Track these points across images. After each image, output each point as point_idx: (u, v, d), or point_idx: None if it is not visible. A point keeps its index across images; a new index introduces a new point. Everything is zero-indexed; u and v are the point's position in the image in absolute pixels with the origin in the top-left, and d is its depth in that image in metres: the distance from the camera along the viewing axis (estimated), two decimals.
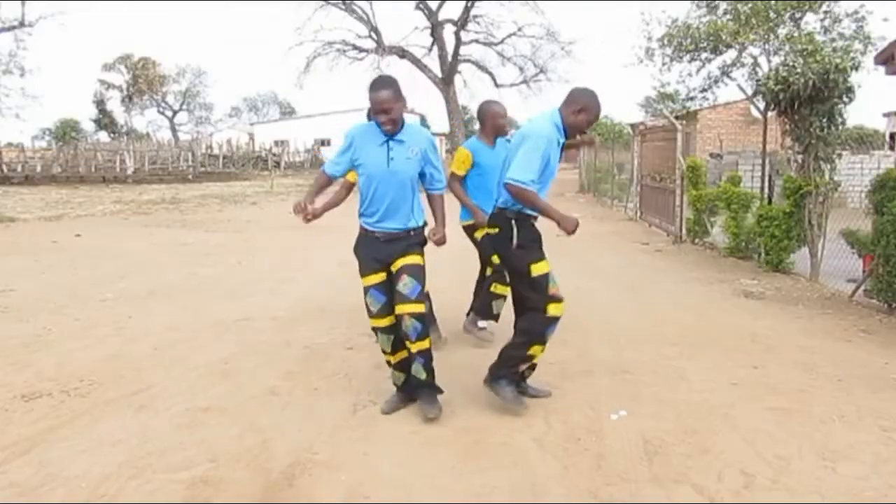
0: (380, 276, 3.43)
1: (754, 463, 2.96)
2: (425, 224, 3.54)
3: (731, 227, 8.60)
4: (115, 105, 59.88)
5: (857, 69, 6.81)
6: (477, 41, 29.05)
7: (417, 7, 28.23)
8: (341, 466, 2.95)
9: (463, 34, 28.43)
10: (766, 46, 22.30)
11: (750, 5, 21.33)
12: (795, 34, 20.82)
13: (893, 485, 2.79)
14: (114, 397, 3.75)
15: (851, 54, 7.53)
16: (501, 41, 28.96)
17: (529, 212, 3.46)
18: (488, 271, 4.76)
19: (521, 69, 29.49)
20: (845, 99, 6.89)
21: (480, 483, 2.81)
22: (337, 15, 31.58)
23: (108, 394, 3.81)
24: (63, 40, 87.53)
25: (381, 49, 28.16)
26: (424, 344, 3.41)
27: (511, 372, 3.52)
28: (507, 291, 4.17)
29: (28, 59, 50.64)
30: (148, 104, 61.55)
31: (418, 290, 3.35)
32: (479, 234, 4.53)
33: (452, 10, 60.55)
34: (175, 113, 63.30)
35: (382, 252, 3.43)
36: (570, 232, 3.36)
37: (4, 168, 26.81)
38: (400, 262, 3.39)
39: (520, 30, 28.46)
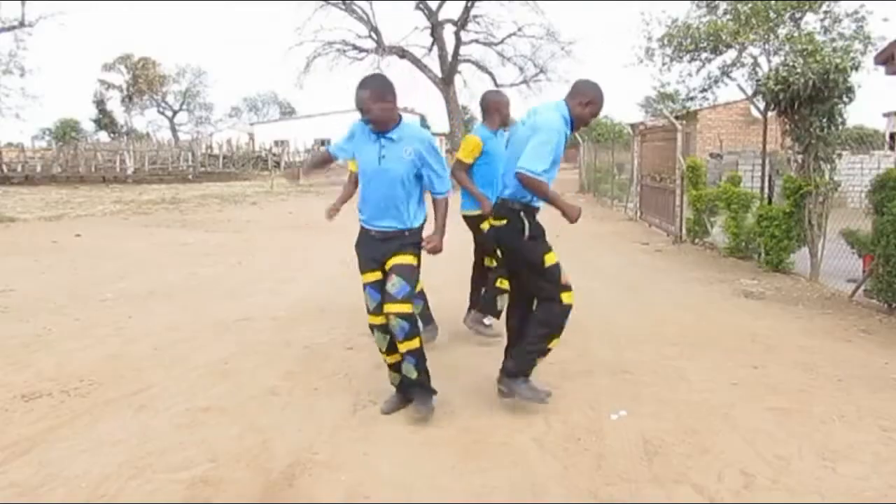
0: (376, 275, 3.44)
1: (754, 463, 2.96)
2: (424, 223, 3.52)
3: (731, 227, 8.60)
4: (115, 105, 59.93)
5: (857, 69, 6.82)
6: (477, 41, 29.05)
7: (417, 7, 28.22)
8: (341, 466, 2.95)
9: (463, 34, 28.43)
10: (766, 46, 22.31)
11: (750, 5, 21.34)
12: (795, 34, 20.83)
13: (893, 485, 2.79)
14: (114, 397, 3.75)
15: (851, 54, 7.54)
16: (501, 41, 28.97)
17: (535, 203, 3.47)
18: (487, 262, 4.73)
19: (521, 69, 29.50)
20: (845, 99, 6.90)
21: (480, 483, 2.81)
22: (337, 15, 31.58)
23: (108, 394, 3.80)
24: (63, 40, 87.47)
25: (381, 49, 28.15)
26: (413, 344, 3.38)
27: (530, 368, 3.51)
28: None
29: (28, 59, 50.62)
30: (148, 104, 61.56)
31: (406, 291, 3.32)
32: (485, 226, 4.50)
33: (452, 10, 60.54)
34: (175, 113, 63.31)
35: (378, 251, 3.43)
36: (574, 220, 3.44)
37: (4, 168, 26.80)
38: (391, 262, 3.39)
39: (520, 30, 28.47)
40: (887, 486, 2.77)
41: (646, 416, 3.47)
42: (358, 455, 3.06)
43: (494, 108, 4.68)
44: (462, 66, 29.08)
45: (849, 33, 21.84)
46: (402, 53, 28.31)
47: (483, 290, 4.77)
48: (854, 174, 11.22)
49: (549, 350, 3.51)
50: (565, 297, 3.47)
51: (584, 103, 3.51)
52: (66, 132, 51.91)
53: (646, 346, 4.72)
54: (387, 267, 3.41)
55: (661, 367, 4.27)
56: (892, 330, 5.27)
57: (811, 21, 22.35)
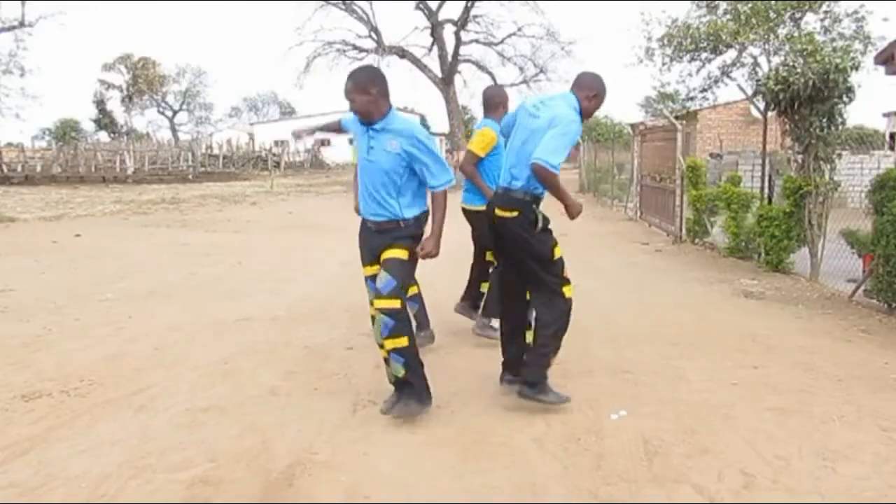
0: (374, 268, 3.44)
1: (754, 463, 2.96)
2: (422, 216, 3.45)
3: (731, 227, 8.60)
4: (115, 105, 59.99)
5: (857, 69, 6.81)
6: (477, 41, 29.03)
7: (417, 7, 28.21)
8: (341, 466, 2.95)
9: (463, 34, 28.41)
10: (766, 46, 22.31)
11: (750, 5, 21.34)
12: (795, 34, 20.83)
13: (893, 485, 2.79)
14: (114, 397, 3.75)
15: (851, 54, 7.50)
16: (501, 41, 28.94)
17: (540, 195, 3.47)
18: (489, 256, 4.69)
19: (521, 69, 29.46)
20: (845, 99, 6.90)
21: (480, 483, 2.81)
22: (337, 15, 31.60)
23: (108, 394, 3.80)
24: (63, 40, 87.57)
25: (381, 49, 28.14)
26: (398, 342, 3.31)
27: (547, 370, 3.49)
28: None
29: (28, 59, 50.55)
30: (148, 104, 61.61)
31: (391, 286, 3.28)
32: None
33: (452, 10, 60.62)
34: (175, 113, 63.35)
35: (373, 243, 3.43)
36: (574, 217, 3.48)
37: (4, 168, 26.80)
38: (383, 256, 3.37)
39: (520, 30, 28.43)
40: (887, 486, 2.77)
41: (646, 416, 3.47)
42: (358, 455, 3.05)
43: (500, 103, 4.69)
44: (462, 66, 29.08)
45: (849, 33, 21.85)
46: (402, 53, 28.30)
47: (481, 285, 4.75)
48: (854, 174, 11.22)
49: (560, 346, 3.52)
50: (567, 291, 3.50)
51: (591, 96, 3.54)
52: (66, 132, 51.95)
53: (646, 346, 4.72)
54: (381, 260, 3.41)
55: (661, 367, 4.27)
56: (892, 330, 5.27)
57: (811, 21, 22.37)
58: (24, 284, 6.91)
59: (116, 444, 3.14)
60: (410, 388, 3.40)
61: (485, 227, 3.98)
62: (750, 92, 12.92)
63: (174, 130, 61.39)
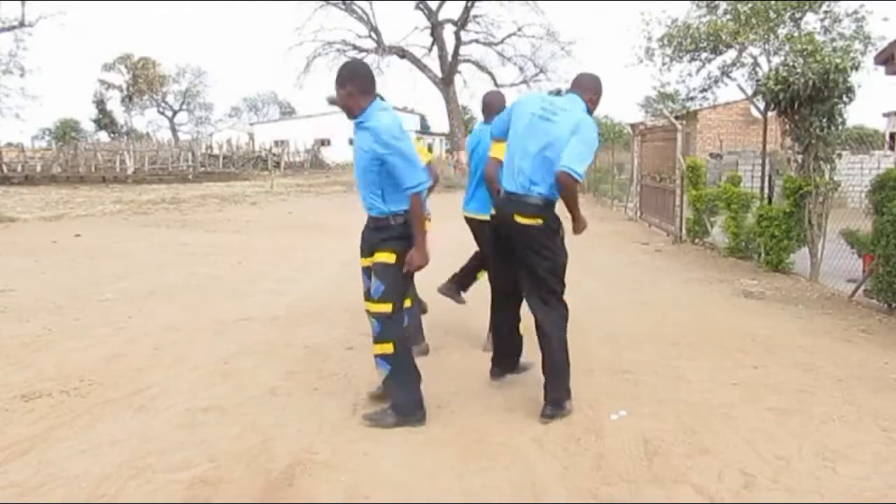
0: (367, 261, 3.43)
1: (754, 463, 2.96)
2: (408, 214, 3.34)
3: (731, 227, 8.60)
4: (115, 105, 60.06)
5: (857, 69, 6.81)
6: (477, 41, 29.06)
7: (417, 7, 28.24)
8: (341, 466, 2.95)
9: (463, 34, 28.44)
10: (766, 46, 22.30)
11: (750, 5, 21.34)
12: (795, 34, 20.80)
13: (893, 485, 2.79)
14: (114, 397, 3.75)
15: (851, 54, 7.49)
16: (501, 41, 28.97)
17: (556, 201, 3.45)
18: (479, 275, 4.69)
19: (521, 69, 29.50)
20: (845, 99, 6.90)
21: (480, 483, 2.81)
22: (337, 15, 31.68)
23: (108, 394, 3.80)
24: (63, 40, 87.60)
25: (381, 49, 28.16)
26: (385, 348, 3.29)
27: (569, 382, 3.47)
28: None
29: (28, 59, 50.67)
30: (148, 104, 61.66)
31: (380, 290, 3.26)
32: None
33: (452, 10, 60.66)
34: (175, 113, 63.39)
35: (370, 239, 3.42)
36: (579, 232, 3.51)
37: (4, 168, 26.82)
38: (374, 258, 3.35)
39: (520, 30, 28.47)
40: (887, 486, 2.77)
41: (646, 416, 3.47)
42: (358, 455, 3.05)
43: (501, 107, 4.66)
44: (462, 66, 29.12)
45: (849, 33, 21.84)
46: (402, 53, 28.32)
47: (478, 274, 4.73)
48: (854, 174, 11.22)
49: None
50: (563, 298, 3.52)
51: (593, 98, 3.55)
52: (66, 132, 51.99)
53: (646, 346, 4.72)
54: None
55: (661, 367, 4.27)
56: (892, 330, 5.27)
57: (811, 21, 22.36)
58: (24, 284, 6.91)
59: (116, 444, 3.14)
60: (387, 395, 3.36)
61: (486, 234, 3.95)
62: (750, 92, 12.93)
63: (174, 130, 61.43)
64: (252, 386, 3.94)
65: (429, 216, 3.56)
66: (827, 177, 7.08)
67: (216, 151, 36.63)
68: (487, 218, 3.95)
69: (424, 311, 4.77)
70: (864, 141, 12.39)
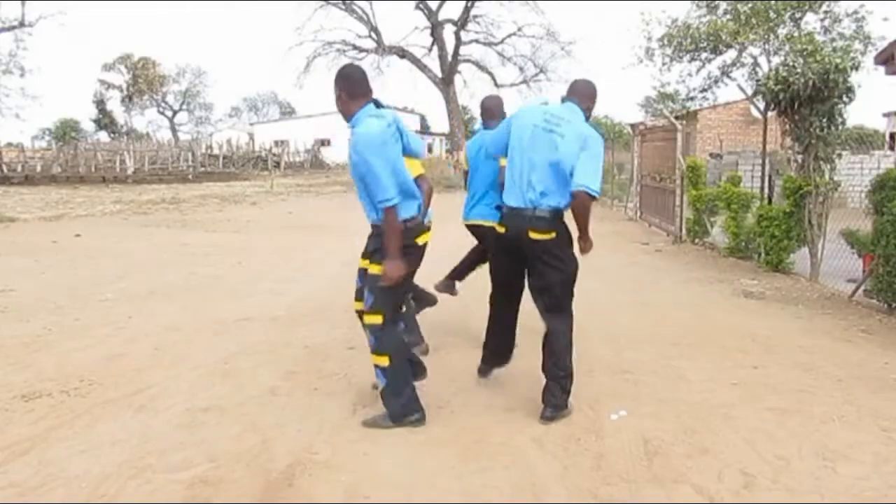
0: (364, 263, 3.42)
1: (754, 463, 2.96)
2: (414, 219, 3.30)
3: (731, 227, 8.60)
4: (115, 105, 60.07)
5: (857, 69, 6.81)
6: (477, 41, 29.09)
7: (417, 7, 28.25)
8: (341, 466, 2.95)
9: (463, 34, 28.46)
10: (766, 46, 22.31)
11: (750, 5, 21.34)
12: (795, 34, 20.81)
13: (893, 485, 2.79)
14: (114, 397, 3.75)
15: (851, 54, 7.49)
16: (501, 41, 28.99)
17: (564, 211, 3.45)
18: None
19: (521, 69, 29.52)
20: (845, 99, 6.90)
21: (480, 483, 2.81)
22: (337, 15, 31.68)
23: (108, 394, 3.80)
24: (63, 40, 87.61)
25: (381, 49, 28.18)
26: (380, 361, 3.28)
27: (570, 387, 3.48)
28: None
29: (28, 59, 50.68)
30: (148, 104, 61.66)
31: (370, 301, 3.26)
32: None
33: (452, 10, 60.64)
34: (175, 113, 63.39)
35: (368, 244, 3.40)
36: (586, 252, 3.53)
37: (4, 168, 26.81)
38: (367, 266, 3.34)
39: (520, 30, 28.49)
40: (887, 486, 2.77)
41: (646, 416, 3.47)
42: (358, 455, 3.06)
43: (500, 111, 4.66)
44: (462, 66, 29.14)
45: (849, 33, 21.84)
46: (402, 53, 28.34)
47: (476, 266, 4.74)
48: (854, 174, 11.22)
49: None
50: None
51: (590, 106, 3.57)
52: (66, 132, 52.01)
53: (646, 346, 4.72)
54: None
55: (661, 367, 4.27)
56: (892, 330, 5.27)
57: (811, 21, 22.37)
58: (24, 284, 6.91)
59: (116, 444, 3.15)
60: (383, 400, 3.36)
61: (490, 241, 3.92)
62: (750, 92, 12.93)
63: (174, 130, 61.44)
64: (252, 386, 3.94)
65: (429, 224, 3.54)
66: (827, 177, 7.08)
67: (216, 151, 36.63)
68: (494, 224, 3.83)
69: (433, 303, 4.76)
70: (864, 141, 12.40)
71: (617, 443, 3.17)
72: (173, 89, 62.14)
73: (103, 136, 55.73)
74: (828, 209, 7.16)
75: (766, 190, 8.65)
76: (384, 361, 3.29)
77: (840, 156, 7.47)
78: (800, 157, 7.24)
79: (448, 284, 4.89)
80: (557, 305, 3.45)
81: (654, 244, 10.33)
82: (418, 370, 3.59)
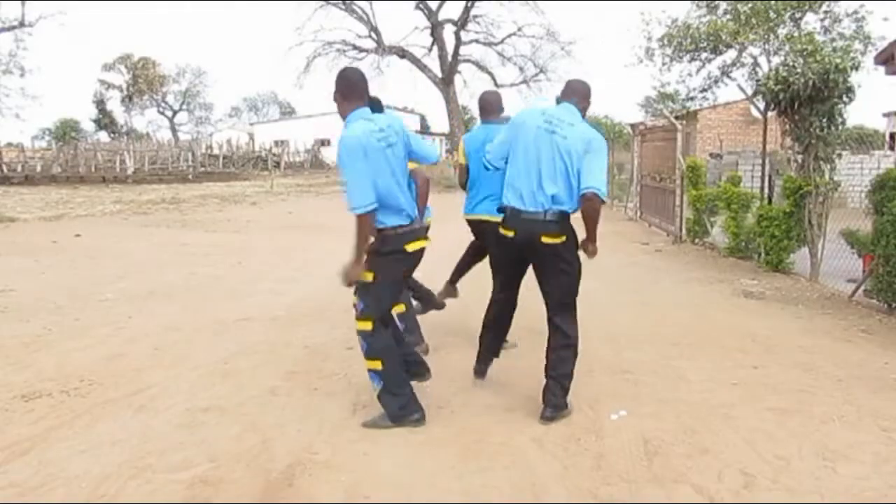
0: None
1: (754, 463, 2.96)
2: (388, 230, 3.27)
3: (731, 227, 8.60)
4: (115, 105, 60.02)
5: (857, 69, 6.81)
6: (477, 41, 29.10)
7: (417, 7, 28.26)
8: (341, 466, 2.95)
9: (463, 34, 28.47)
10: (766, 46, 22.31)
11: (750, 5, 21.35)
12: (795, 34, 20.81)
13: (893, 485, 2.79)
14: (114, 397, 3.75)
15: (851, 54, 7.49)
16: (501, 41, 29.00)
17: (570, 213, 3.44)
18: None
19: (521, 69, 29.53)
20: (845, 99, 6.90)
21: (480, 483, 2.81)
22: (337, 15, 31.70)
23: (108, 394, 3.80)
24: (63, 40, 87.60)
25: (381, 49, 28.19)
26: (372, 364, 3.28)
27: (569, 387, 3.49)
28: None
29: (28, 59, 50.65)
30: (148, 104, 61.63)
31: (360, 307, 3.29)
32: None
33: (452, 10, 60.62)
34: (175, 113, 63.36)
35: None
36: (592, 257, 3.56)
37: (4, 168, 26.81)
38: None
39: (520, 30, 28.51)
40: (887, 486, 2.77)
41: (646, 416, 3.47)
42: (358, 455, 3.06)
43: (498, 106, 4.63)
44: (462, 66, 29.15)
45: (849, 33, 21.85)
46: (402, 53, 28.34)
47: (474, 263, 4.74)
48: (854, 174, 11.22)
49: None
50: None
51: (586, 106, 3.56)
52: (66, 132, 51.98)
53: (646, 346, 4.72)
54: None
55: (661, 367, 4.27)
56: (892, 330, 5.27)
57: (811, 21, 22.38)
58: (24, 284, 6.91)
59: (116, 444, 3.15)
60: (379, 402, 3.35)
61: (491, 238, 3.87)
62: (750, 92, 12.93)
63: (174, 130, 61.42)
64: (252, 386, 3.94)
65: (428, 224, 3.52)
66: (827, 177, 7.07)
67: (216, 151, 36.64)
68: (498, 220, 3.75)
69: (440, 307, 4.78)
70: (864, 141, 12.40)
71: (617, 443, 3.17)
72: (173, 89, 62.16)
73: (103, 136, 55.72)
74: (828, 209, 7.16)
75: (766, 190, 8.65)
76: (377, 365, 3.29)
77: (840, 156, 7.47)
78: (800, 157, 7.24)
79: (450, 290, 4.90)
80: (564, 306, 3.46)
81: (654, 244, 10.33)
82: (422, 371, 3.59)
